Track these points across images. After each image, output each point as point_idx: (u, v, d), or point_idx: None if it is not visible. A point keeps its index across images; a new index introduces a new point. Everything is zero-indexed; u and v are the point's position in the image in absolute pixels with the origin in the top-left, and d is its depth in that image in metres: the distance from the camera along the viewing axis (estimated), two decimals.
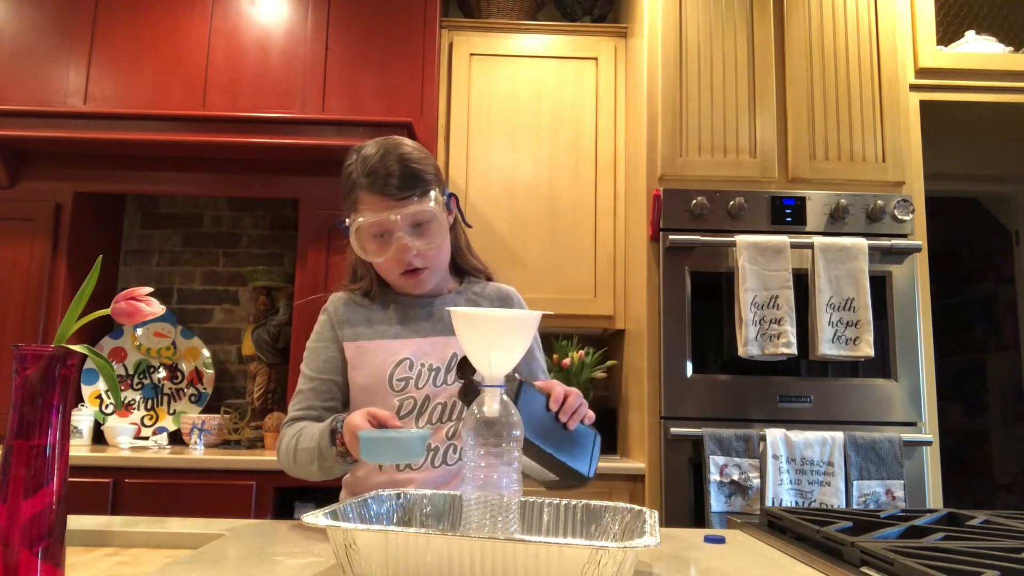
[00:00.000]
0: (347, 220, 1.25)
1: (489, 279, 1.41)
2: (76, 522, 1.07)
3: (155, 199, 2.92)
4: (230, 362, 2.84)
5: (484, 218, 2.60)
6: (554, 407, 1.01)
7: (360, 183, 1.22)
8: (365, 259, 1.26)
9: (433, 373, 1.26)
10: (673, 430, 2.11)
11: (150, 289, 0.83)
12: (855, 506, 2.04)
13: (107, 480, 2.14)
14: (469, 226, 1.39)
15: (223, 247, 2.91)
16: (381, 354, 1.26)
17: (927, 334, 2.28)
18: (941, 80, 2.41)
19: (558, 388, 1.03)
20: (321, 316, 1.34)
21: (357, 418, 1.06)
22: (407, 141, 1.27)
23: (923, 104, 2.40)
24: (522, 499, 0.96)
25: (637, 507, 0.93)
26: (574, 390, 1.05)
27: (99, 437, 2.57)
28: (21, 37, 2.56)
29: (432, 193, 1.23)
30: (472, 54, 2.69)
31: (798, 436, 2.07)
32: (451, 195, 1.29)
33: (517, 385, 0.97)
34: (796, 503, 2.04)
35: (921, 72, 2.41)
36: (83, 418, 2.50)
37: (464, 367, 0.98)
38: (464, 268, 1.39)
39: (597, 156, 2.65)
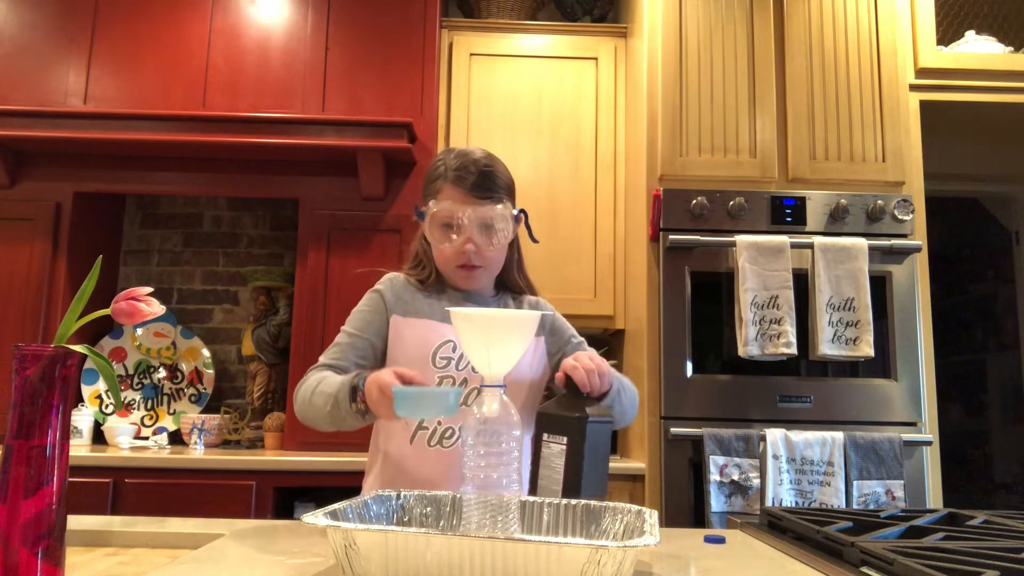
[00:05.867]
0: (423, 207, 1.33)
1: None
2: (76, 522, 1.07)
3: (155, 199, 2.92)
4: (230, 362, 2.84)
5: None
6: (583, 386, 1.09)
7: (447, 175, 1.31)
8: (430, 241, 1.33)
9: None
10: (673, 430, 2.11)
11: (150, 289, 0.83)
12: (855, 506, 2.04)
13: (107, 480, 2.14)
14: (536, 241, 1.45)
15: (223, 247, 2.91)
16: (428, 331, 1.32)
17: (927, 334, 2.28)
18: (941, 80, 2.41)
19: (579, 373, 1.10)
20: (376, 286, 1.40)
21: (385, 375, 1.08)
22: (495, 156, 1.38)
23: (923, 104, 2.40)
24: (522, 499, 0.96)
25: (637, 507, 0.93)
26: (591, 362, 1.12)
27: (99, 437, 2.57)
28: (21, 37, 2.56)
29: (506, 201, 1.34)
30: (472, 54, 2.69)
31: (798, 436, 2.07)
32: (522, 211, 1.37)
33: (583, 422, 1.02)
34: (796, 503, 2.04)
35: (921, 72, 2.41)
36: (83, 418, 2.50)
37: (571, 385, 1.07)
38: (510, 283, 1.46)
39: (597, 156, 2.65)
